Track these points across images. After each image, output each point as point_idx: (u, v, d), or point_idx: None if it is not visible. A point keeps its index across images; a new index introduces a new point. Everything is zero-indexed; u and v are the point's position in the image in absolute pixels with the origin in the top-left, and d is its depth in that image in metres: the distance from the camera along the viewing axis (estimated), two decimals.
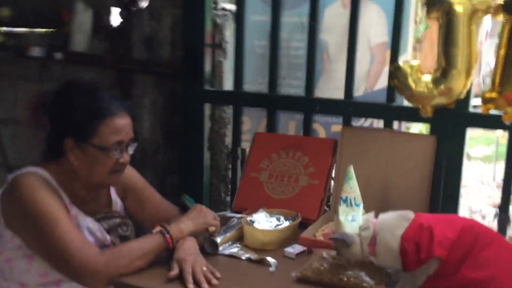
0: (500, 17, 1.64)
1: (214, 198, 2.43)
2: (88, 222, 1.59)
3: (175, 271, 1.43)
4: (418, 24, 2.28)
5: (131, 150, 1.59)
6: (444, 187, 1.86)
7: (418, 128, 2.50)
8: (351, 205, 1.50)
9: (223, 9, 2.30)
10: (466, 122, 1.81)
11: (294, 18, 2.14)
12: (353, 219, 1.47)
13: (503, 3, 1.61)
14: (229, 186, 2.38)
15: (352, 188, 1.54)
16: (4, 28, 2.87)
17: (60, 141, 1.52)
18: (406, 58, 1.93)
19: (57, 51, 2.61)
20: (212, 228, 1.61)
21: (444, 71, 1.72)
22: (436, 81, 1.74)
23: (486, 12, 1.65)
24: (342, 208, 1.48)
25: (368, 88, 2.06)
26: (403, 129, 2.09)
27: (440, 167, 1.85)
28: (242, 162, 2.26)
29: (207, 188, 2.38)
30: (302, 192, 1.96)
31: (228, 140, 2.37)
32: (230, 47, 2.30)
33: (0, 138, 3.01)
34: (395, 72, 1.80)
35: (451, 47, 1.69)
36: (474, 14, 1.66)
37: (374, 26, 2.00)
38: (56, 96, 1.57)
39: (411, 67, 1.78)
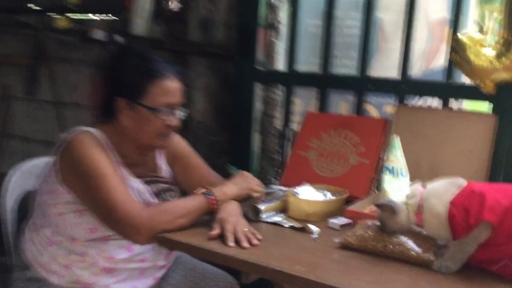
0: None
1: (263, 182, 2.41)
2: (137, 183, 1.61)
3: (216, 231, 1.42)
4: None
5: (181, 114, 1.61)
6: (504, 170, 1.75)
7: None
8: (397, 175, 1.44)
9: None
10: None
11: None
12: (398, 188, 1.41)
13: None
14: (279, 169, 2.36)
15: (398, 158, 1.48)
16: (72, 15, 3.02)
17: (113, 101, 1.56)
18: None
19: (118, 34, 2.70)
20: (256, 194, 1.59)
21: (508, 44, 1.63)
22: (499, 55, 1.65)
23: None
24: (387, 177, 1.42)
25: (425, 66, 1.98)
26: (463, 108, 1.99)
27: (501, 148, 1.74)
28: (293, 144, 2.23)
29: (257, 171, 2.37)
30: (351, 171, 1.91)
31: (279, 122, 2.35)
32: (283, 28, 2.29)
33: (62, 121, 3.15)
34: (455, 45, 1.73)
35: None
36: None
37: (432, 1, 1.93)
38: (110, 58, 1.61)
39: (472, 39, 1.71)
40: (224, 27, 2.45)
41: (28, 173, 1.81)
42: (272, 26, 2.30)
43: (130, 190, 1.57)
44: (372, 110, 2.13)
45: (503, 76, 1.66)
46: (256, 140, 2.33)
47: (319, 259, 1.33)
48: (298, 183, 1.85)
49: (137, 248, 1.59)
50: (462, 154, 1.76)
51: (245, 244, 1.37)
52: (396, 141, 1.49)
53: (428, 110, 1.91)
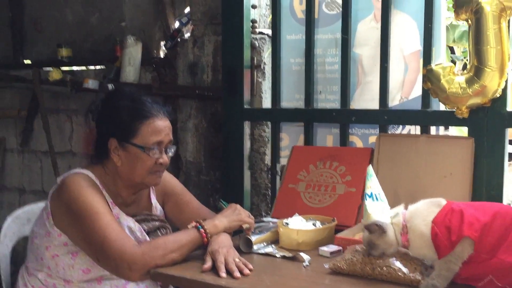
0: None
1: (255, 217, 2.45)
2: (129, 221, 1.65)
3: (208, 264, 1.46)
4: None
5: (170, 152, 1.67)
6: (486, 191, 1.81)
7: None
8: (377, 199, 1.49)
9: (261, 32, 2.43)
10: (503, 121, 1.78)
11: (328, 35, 2.22)
12: (381, 210, 1.45)
13: None
14: (270, 204, 2.40)
15: (375, 185, 1.53)
16: (64, 68, 3.13)
17: (105, 142, 1.63)
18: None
19: (109, 83, 2.80)
20: (246, 226, 1.64)
21: (477, 70, 1.73)
22: (469, 81, 1.74)
23: None
24: (369, 202, 1.47)
25: (404, 97, 2.07)
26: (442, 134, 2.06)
27: (480, 170, 1.81)
28: (282, 177, 2.28)
29: (248, 207, 2.41)
30: (339, 200, 1.96)
31: (268, 159, 2.42)
32: (267, 67, 2.40)
33: (56, 170, 3.20)
34: (428, 75, 1.83)
35: (482, 45, 1.70)
36: (502, 12, 1.67)
37: (406, 36, 2.04)
38: (102, 101, 1.69)
39: (444, 68, 1.80)
40: (211, 70, 2.55)
41: (23, 219, 1.86)
42: (256, 67, 2.40)
43: (123, 228, 1.61)
44: (357, 141, 2.19)
45: (475, 101, 1.74)
46: (247, 177, 2.38)
47: (309, 285, 1.37)
48: (289, 214, 1.90)
49: (131, 286, 1.62)
50: (444, 177, 1.83)
51: (237, 274, 1.40)
52: (371, 170, 1.55)
53: (408, 137, 1.98)
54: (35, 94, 3.19)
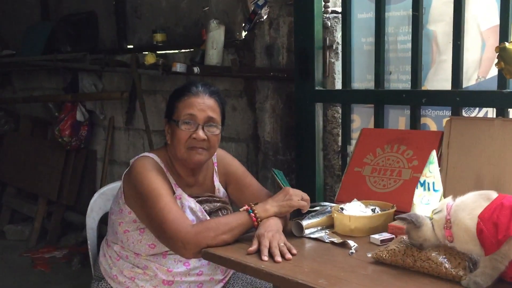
0: None
1: (328, 198, 2.46)
2: (191, 202, 1.78)
3: (254, 247, 1.52)
4: None
5: (208, 129, 1.72)
6: None
7: None
8: (429, 189, 1.43)
9: (333, 11, 2.38)
10: None
11: (400, 11, 2.11)
12: (427, 202, 1.40)
13: None
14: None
15: (432, 172, 1.46)
16: (159, 52, 3.35)
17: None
18: None
19: (195, 66, 2.95)
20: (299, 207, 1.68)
21: None
22: None
23: None
24: (418, 191, 1.42)
25: (481, 76, 1.92)
26: None
27: None
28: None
29: (322, 188, 2.43)
30: (403, 186, 1.90)
31: (341, 139, 2.40)
32: (341, 47, 2.35)
33: (153, 147, 3.47)
34: (501, 53, 1.67)
35: None
36: None
37: (484, 10, 1.87)
38: None
39: None
40: (287, 51, 2.57)
41: (108, 195, 2.08)
42: (329, 47, 2.37)
43: (185, 208, 1.74)
44: (431, 124, 2.09)
45: None
46: (320, 158, 2.39)
47: (347, 274, 1.37)
48: (353, 198, 1.89)
49: (194, 263, 1.75)
50: None
51: (278, 258, 1.45)
52: (433, 156, 1.48)
53: (481, 120, 1.84)
54: (134, 77, 3.46)
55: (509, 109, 1.81)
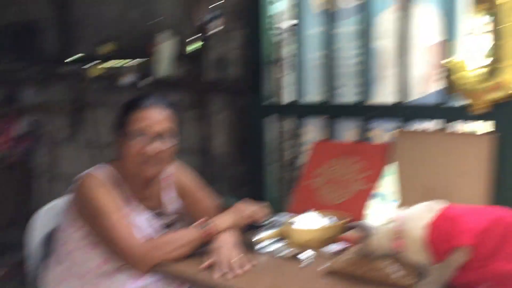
0: None
1: (281, 210, 2.47)
2: (146, 216, 1.74)
3: (208, 261, 1.51)
4: None
5: (163, 142, 1.68)
6: (506, 189, 1.72)
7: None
8: (384, 200, 1.47)
9: (283, 26, 2.41)
10: None
11: (350, 27, 2.17)
12: (382, 213, 1.43)
13: None
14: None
15: (389, 184, 1.51)
16: (107, 63, 3.27)
17: None
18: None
19: (145, 78, 2.90)
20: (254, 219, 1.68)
21: (496, 64, 1.64)
22: (488, 75, 1.66)
23: None
24: (373, 202, 1.46)
25: (425, 90, 2.00)
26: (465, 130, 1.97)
27: (501, 167, 1.72)
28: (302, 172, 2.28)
29: (273, 200, 2.43)
30: (356, 196, 1.93)
31: (291, 152, 2.42)
32: (289, 62, 2.38)
33: (102, 161, 3.37)
34: (446, 69, 1.76)
35: (500, 39, 1.61)
36: None
37: (428, 27, 1.95)
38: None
39: (462, 63, 1.72)
40: (237, 64, 2.58)
41: (52, 212, 1.99)
42: (279, 61, 2.40)
43: (138, 223, 1.69)
44: (379, 136, 2.15)
45: (494, 96, 1.66)
46: (270, 171, 2.41)
47: (303, 285, 1.38)
48: (306, 210, 1.91)
49: (147, 279, 1.70)
50: (461, 175, 1.76)
51: (234, 272, 1.44)
52: (390, 169, 1.52)
53: (426, 133, 1.92)
54: (80, 89, 3.36)
55: (452, 122, 1.89)
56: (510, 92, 1.65)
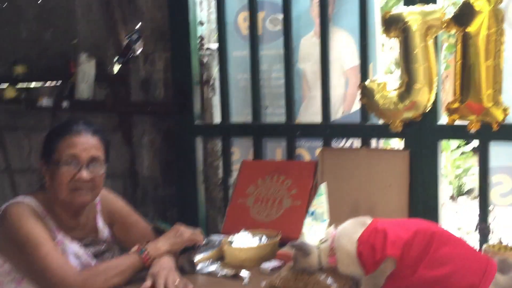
0: (453, 31, 1.72)
1: (211, 230, 2.50)
2: (74, 247, 1.68)
3: (147, 284, 1.50)
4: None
5: (92, 169, 1.66)
6: (423, 200, 1.88)
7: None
8: (317, 219, 1.55)
9: (208, 48, 2.47)
10: (436, 134, 1.86)
11: (273, 50, 2.27)
12: (316, 232, 1.52)
13: (452, 16, 1.70)
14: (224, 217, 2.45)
15: (321, 203, 1.59)
16: (19, 85, 3.11)
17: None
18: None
19: (64, 100, 2.81)
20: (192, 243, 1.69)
21: (407, 86, 1.80)
22: (401, 96, 1.82)
23: (439, 27, 1.74)
24: (308, 220, 1.53)
25: (346, 110, 2.14)
26: (382, 146, 2.13)
27: (417, 180, 1.88)
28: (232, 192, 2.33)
29: (204, 220, 2.46)
30: (285, 214, 2.01)
31: (221, 172, 2.46)
32: (217, 83, 2.44)
33: (15, 188, 3.20)
34: (363, 91, 1.89)
35: (411, 63, 1.78)
36: (428, 30, 1.75)
37: (346, 51, 2.10)
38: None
39: (378, 84, 1.87)
40: (163, 86, 2.58)
41: None
42: (206, 82, 2.44)
43: (68, 254, 1.64)
44: (305, 154, 2.26)
45: (407, 115, 1.82)
46: (201, 191, 2.43)
47: None
48: (238, 229, 1.95)
49: None
50: (384, 188, 1.90)
51: None
52: (322, 187, 1.60)
53: (349, 150, 2.05)
54: None
55: (371, 139, 2.04)
56: (421, 111, 1.81)
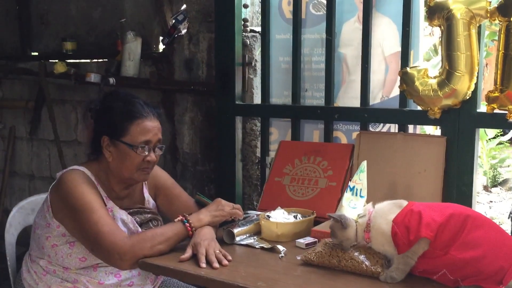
0: (497, 21, 1.73)
1: (247, 206, 2.60)
2: (122, 214, 1.80)
3: (187, 254, 1.61)
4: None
5: (158, 150, 1.80)
6: (457, 186, 1.92)
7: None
8: (356, 194, 1.60)
9: (252, 30, 2.53)
10: (474, 122, 1.88)
11: (315, 34, 2.31)
12: (354, 206, 1.57)
13: (497, 6, 1.71)
14: (260, 194, 2.53)
15: (361, 180, 1.63)
16: (69, 60, 3.26)
17: (99, 140, 1.77)
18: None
19: (111, 76, 2.93)
20: (231, 217, 1.79)
21: (448, 74, 1.83)
22: (441, 84, 1.84)
23: (483, 16, 1.75)
24: (347, 195, 1.58)
25: (385, 95, 2.17)
26: (419, 132, 2.16)
27: (453, 167, 1.92)
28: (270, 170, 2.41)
29: (240, 197, 2.55)
30: (320, 194, 2.08)
31: (259, 151, 2.54)
32: (259, 64, 2.51)
33: (62, 158, 3.37)
34: (403, 77, 1.93)
35: (453, 51, 1.80)
36: (472, 19, 1.76)
37: (387, 38, 2.13)
38: (98, 102, 1.83)
39: (418, 71, 1.90)
40: (206, 66, 2.67)
41: (28, 209, 2.02)
42: (248, 64, 2.51)
43: (117, 220, 1.76)
44: (342, 137, 2.31)
45: (446, 102, 1.84)
46: (239, 168, 2.52)
47: (281, 276, 1.51)
48: (274, 207, 2.03)
49: (125, 274, 1.77)
50: (419, 173, 1.94)
51: (216, 264, 1.55)
52: (364, 165, 1.64)
53: (385, 134, 2.09)
54: (42, 86, 3.34)
55: (409, 125, 2.08)
56: (460, 99, 1.84)
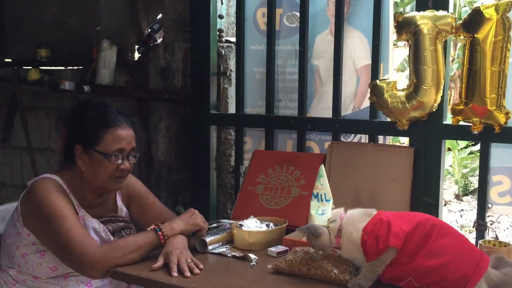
0: (462, 36, 1.80)
1: (221, 215, 2.61)
2: (94, 223, 1.80)
3: (158, 263, 1.62)
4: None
5: (132, 159, 1.81)
6: (424, 196, 1.97)
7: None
8: (322, 200, 1.63)
9: (227, 41, 2.56)
10: (440, 133, 1.94)
11: (288, 46, 2.36)
12: (322, 212, 1.60)
13: (462, 23, 1.78)
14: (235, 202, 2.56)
15: (323, 185, 1.65)
16: (43, 67, 3.24)
17: (72, 148, 1.77)
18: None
19: (85, 84, 2.93)
20: (201, 228, 1.80)
21: (415, 87, 1.89)
22: (409, 96, 1.90)
23: (449, 32, 1.82)
24: (313, 203, 1.61)
25: (356, 106, 2.23)
26: (389, 142, 2.22)
27: (420, 176, 1.97)
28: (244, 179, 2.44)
29: (215, 205, 2.57)
30: (293, 203, 2.12)
31: (234, 160, 2.57)
32: (233, 74, 2.54)
33: (35, 166, 3.33)
34: (373, 89, 1.98)
35: (420, 65, 1.86)
36: (438, 34, 1.83)
37: (358, 50, 2.19)
38: (71, 110, 1.83)
39: (387, 83, 1.96)
40: (181, 75, 2.69)
41: None
42: (223, 73, 2.54)
43: (88, 229, 1.76)
44: (315, 147, 2.35)
45: (414, 114, 1.90)
46: (213, 177, 2.54)
47: (252, 284, 1.53)
48: (247, 215, 2.05)
49: (96, 283, 1.77)
50: (388, 183, 1.99)
51: (187, 273, 1.56)
52: (322, 170, 1.67)
53: (356, 145, 2.15)
54: (15, 93, 3.30)
55: (379, 136, 2.13)
56: (427, 111, 1.90)
